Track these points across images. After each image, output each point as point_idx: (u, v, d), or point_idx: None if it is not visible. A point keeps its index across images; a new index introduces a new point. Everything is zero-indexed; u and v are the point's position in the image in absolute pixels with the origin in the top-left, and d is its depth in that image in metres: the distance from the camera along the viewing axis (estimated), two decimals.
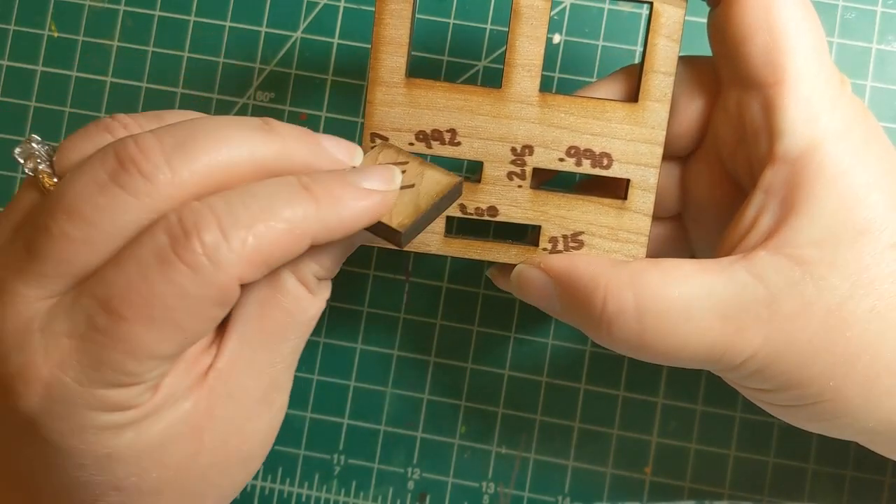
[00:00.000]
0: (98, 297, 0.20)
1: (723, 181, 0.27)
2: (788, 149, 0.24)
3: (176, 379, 0.22)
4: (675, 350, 0.24)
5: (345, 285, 0.34)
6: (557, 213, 0.26)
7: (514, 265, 0.27)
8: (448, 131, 0.26)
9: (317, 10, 0.34)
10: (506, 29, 0.34)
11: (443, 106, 0.26)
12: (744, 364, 0.23)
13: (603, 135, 0.26)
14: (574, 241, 0.26)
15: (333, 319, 0.34)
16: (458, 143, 0.26)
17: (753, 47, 0.24)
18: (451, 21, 0.34)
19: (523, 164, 0.26)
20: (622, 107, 0.26)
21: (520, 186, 0.26)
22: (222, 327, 0.24)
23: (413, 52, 0.34)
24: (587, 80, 0.34)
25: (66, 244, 0.20)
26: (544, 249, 0.27)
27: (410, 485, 0.34)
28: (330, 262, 0.24)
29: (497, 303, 0.34)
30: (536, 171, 0.27)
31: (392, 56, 0.26)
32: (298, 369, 0.34)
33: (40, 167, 0.22)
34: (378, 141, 0.26)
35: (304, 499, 0.34)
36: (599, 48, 0.34)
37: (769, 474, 0.33)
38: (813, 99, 0.24)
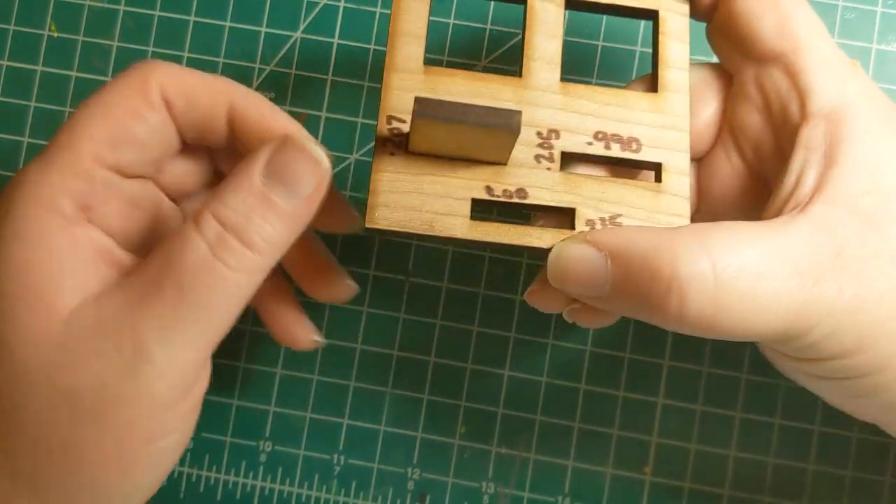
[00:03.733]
0: None
1: (740, 177, 0.27)
2: (821, 104, 0.24)
3: None
4: (752, 316, 0.22)
5: None
6: (592, 196, 0.25)
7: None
8: None
9: (317, 10, 0.34)
10: (506, 29, 0.34)
11: (463, 91, 0.25)
12: (816, 327, 0.22)
13: (628, 121, 0.26)
14: (612, 223, 0.25)
15: (333, 319, 0.34)
16: None
17: (765, 23, 0.25)
18: (451, 21, 0.34)
19: (550, 147, 0.25)
20: (644, 96, 0.26)
21: (549, 169, 0.25)
22: None
23: None
24: (587, 80, 0.34)
25: None
26: (581, 232, 0.25)
27: (410, 485, 0.34)
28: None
29: (497, 303, 0.34)
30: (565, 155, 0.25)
31: (408, 46, 0.25)
32: (299, 369, 0.34)
33: None
34: (394, 123, 0.25)
35: (304, 499, 0.34)
36: (599, 48, 0.34)
37: (769, 474, 0.33)
38: (833, 62, 0.24)
